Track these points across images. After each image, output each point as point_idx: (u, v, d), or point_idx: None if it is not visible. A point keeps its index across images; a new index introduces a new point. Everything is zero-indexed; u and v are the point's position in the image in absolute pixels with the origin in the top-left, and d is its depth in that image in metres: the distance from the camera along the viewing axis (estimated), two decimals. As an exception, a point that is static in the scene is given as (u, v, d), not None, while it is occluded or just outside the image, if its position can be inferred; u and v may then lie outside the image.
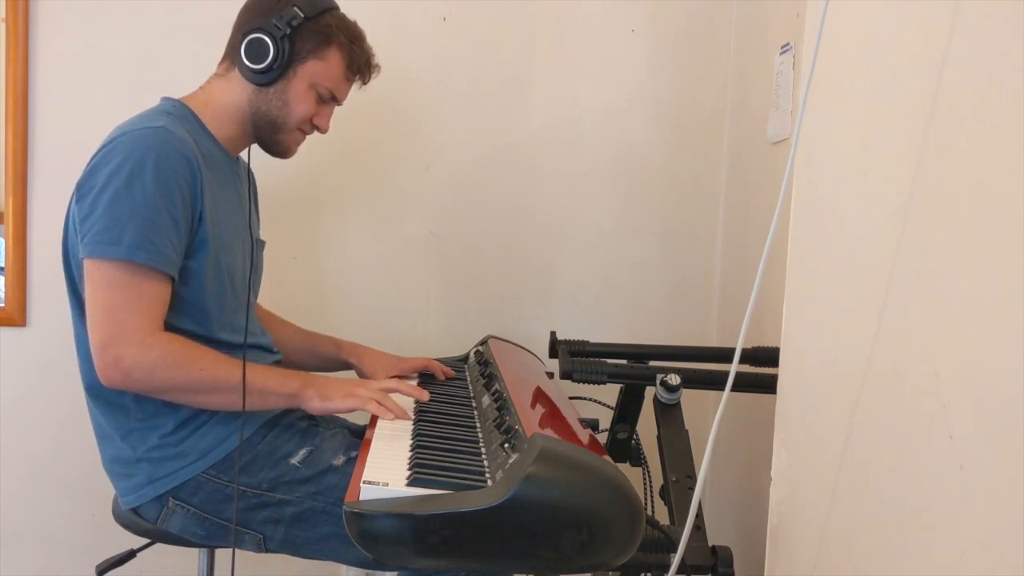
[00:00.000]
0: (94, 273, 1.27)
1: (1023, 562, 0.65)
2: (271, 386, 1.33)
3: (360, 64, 1.47)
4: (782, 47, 1.77)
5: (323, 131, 1.50)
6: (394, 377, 1.54)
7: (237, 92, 1.43)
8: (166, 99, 1.43)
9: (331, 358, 1.67)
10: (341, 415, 1.59)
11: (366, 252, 2.05)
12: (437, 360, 1.76)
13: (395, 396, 1.36)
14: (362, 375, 1.65)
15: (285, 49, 1.39)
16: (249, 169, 1.55)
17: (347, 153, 2.02)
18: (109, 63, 1.92)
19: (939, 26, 0.80)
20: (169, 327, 1.31)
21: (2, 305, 1.93)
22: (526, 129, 2.06)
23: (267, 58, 1.38)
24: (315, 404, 1.33)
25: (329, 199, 2.04)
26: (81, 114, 1.91)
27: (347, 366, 1.67)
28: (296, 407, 1.36)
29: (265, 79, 1.40)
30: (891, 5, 0.91)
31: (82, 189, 1.29)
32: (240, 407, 1.30)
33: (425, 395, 1.39)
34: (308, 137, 1.52)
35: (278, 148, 1.48)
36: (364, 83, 1.52)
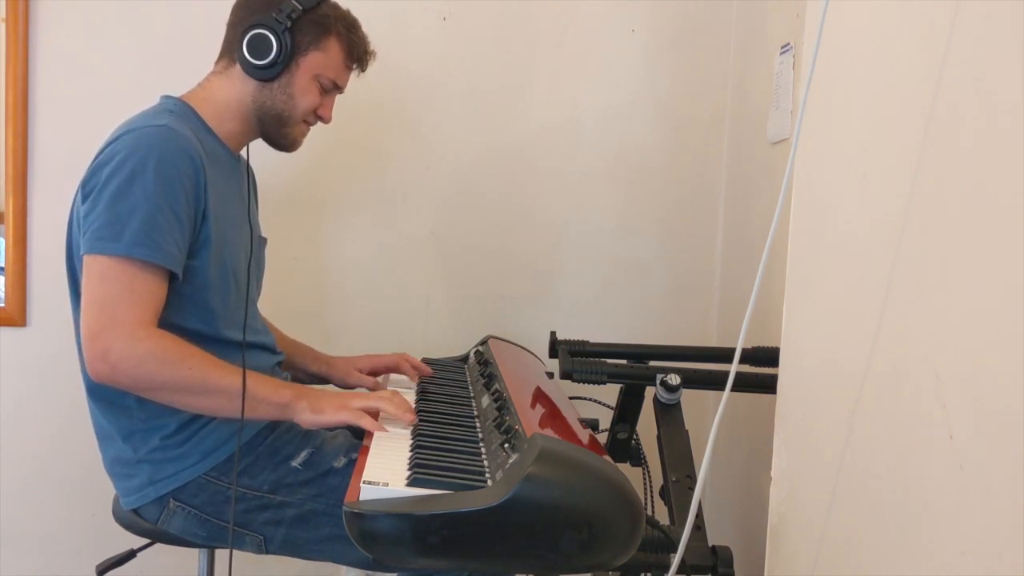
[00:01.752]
0: (91, 267, 1.26)
1: (1023, 562, 0.65)
2: (263, 394, 1.28)
3: (359, 52, 1.48)
4: (782, 47, 1.77)
5: (327, 121, 1.50)
6: (390, 389, 1.51)
7: (239, 88, 1.43)
8: (167, 97, 1.43)
9: (303, 369, 1.64)
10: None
11: (366, 252, 2.05)
12: (435, 360, 1.76)
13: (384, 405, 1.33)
14: (338, 383, 1.62)
15: (287, 43, 1.39)
16: (248, 165, 1.55)
17: (347, 153, 2.02)
18: (109, 63, 1.92)
19: (939, 26, 0.80)
20: (174, 326, 1.30)
21: (2, 305, 1.93)
22: (526, 129, 2.06)
23: (271, 53, 1.38)
24: (306, 416, 1.29)
25: (329, 199, 2.04)
26: (81, 114, 1.91)
27: (321, 378, 1.64)
28: (287, 419, 1.32)
29: (269, 74, 1.40)
30: (891, 5, 0.91)
31: (86, 187, 1.29)
32: (229, 413, 1.27)
33: (410, 418, 1.30)
34: (309, 136, 1.52)
35: (285, 142, 1.48)
36: (363, 71, 1.52)
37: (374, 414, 1.29)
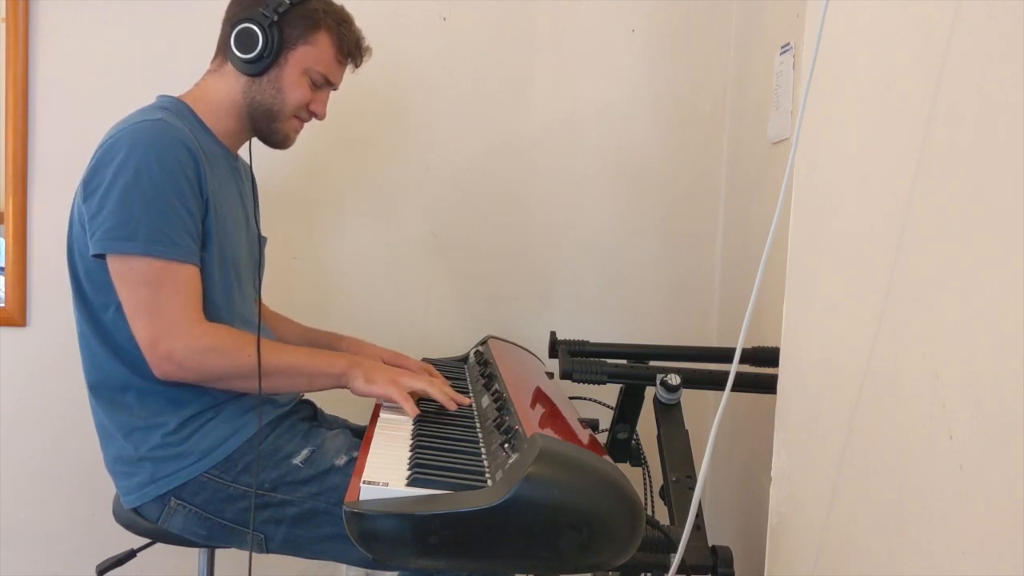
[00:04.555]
0: (124, 273, 1.28)
1: (1023, 562, 0.65)
2: (320, 367, 1.36)
3: (350, 47, 1.48)
4: (782, 47, 1.77)
5: (320, 117, 1.50)
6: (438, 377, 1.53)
7: (231, 85, 1.43)
8: (162, 96, 1.44)
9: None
10: (342, 416, 1.60)
11: (366, 252, 2.05)
12: (435, 360, 1.76)
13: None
14: None
15: (274, 37, 1.39)
16: (249, 166, 1.55)
17: (347, 153, 2.02)
18: (109, 63, 1.92)
19: (939, 26, 0.80)
20: None
21: (2, 305, 1.93)
22: (526, 129, 2.06)
23: (256, 47, 1.39)
24: (359, 384, 1.35)
25: (329, 199, 2.04)
26: (81, 114, 1.91)
27: None
28: (341, 387, 1.37)
29: (257, 68, 1.40)
30: (891, 5, 0.91)
31: (88, 187, 1.30)
32: (287, 391, 1.38)
33: (461, 401, 1.37)
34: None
35: (276, 137, 1.48)
36: (356, 66, 1.52)
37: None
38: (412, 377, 1.38)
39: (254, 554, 1.37)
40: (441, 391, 1.36)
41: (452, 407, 1.35)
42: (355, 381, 1.35)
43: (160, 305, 1.27)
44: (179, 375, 1.29)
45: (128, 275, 1.28)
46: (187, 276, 1.30)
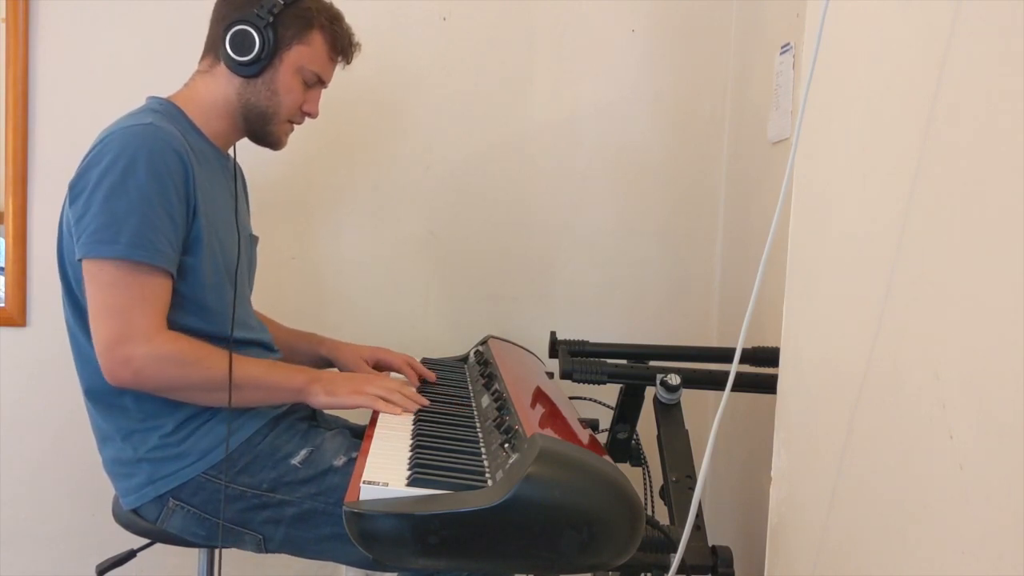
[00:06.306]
0: (96, 274, 1.26)
1: (1023, 562, 0.65)
2: (277, 381, 1.35)
3: (343, 44, 1.47)
4: (782, 47, 1.77)
5: (314, 116, 1.49)
6: (401, 379, 1.53)
7: (224, 86, 1.42)
8: (152, 98, 1.43)
9: (310, 354, 1.65)
10: (342, 416, 1.59)
11: (365, 252, 2.05)
12: (435, 360, 1.76)
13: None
14: (342, 370, 1.63)
15: (269, 38, 1.38)
16: (236, 164, 1.55)
17: (346, 153, 2.02)
18: (109, 63, 1.92)
19: (939, 26, 0.80)
20: (174, 325, 1.30)
21: (2, 305, 1.93)
22: (526, 129, 2.06)
23: (253, 49, 1.38)
24: (320, 399, 1.35)
25: (328, 199, 2.04)
26: (81, 114, 1.91)
27: (328, 363, 1.65)
28: (301, 401, 1.37)
29: (252, 70, 1.40)
30: (891, 5, 0.91)
31: (75, 190, 1.29)
32: (249, 404, 1.34)
33: (423, 401, 1.38)
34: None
35: (269, 139, 1.48)
36: (348, 63, 1.52)
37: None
38: (377, 384, 1.37)
39: (255, 554, 1.37)
40: (401, 397, 1.35)
41: (413, 408, 1.34)
42: (315, 396, 1.35)
43: (126, 309, 1.25)
44: (133, 383, 1.26)
45: (99, 275, 1.26)
46: (157, 284, 1.27)
